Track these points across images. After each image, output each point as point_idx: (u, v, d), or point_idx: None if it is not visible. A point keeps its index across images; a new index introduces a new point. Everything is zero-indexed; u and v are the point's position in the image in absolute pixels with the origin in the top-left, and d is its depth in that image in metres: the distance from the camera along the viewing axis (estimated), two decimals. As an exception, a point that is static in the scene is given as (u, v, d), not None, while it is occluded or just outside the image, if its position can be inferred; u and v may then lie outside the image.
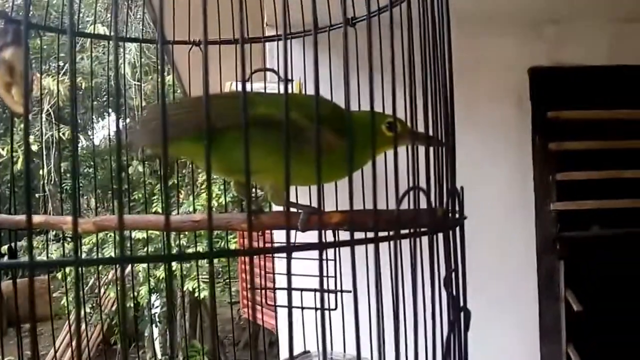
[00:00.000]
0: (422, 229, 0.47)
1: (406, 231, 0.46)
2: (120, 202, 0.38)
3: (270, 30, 1.56)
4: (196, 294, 3.80)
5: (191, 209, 3.72)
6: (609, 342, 1.75)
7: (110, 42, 1.25)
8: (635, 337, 1.74)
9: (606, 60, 1.79)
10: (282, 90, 1.20)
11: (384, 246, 0.46)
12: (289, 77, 1.22)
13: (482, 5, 1.65)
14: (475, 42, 1.75)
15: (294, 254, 0.42)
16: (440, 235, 0.50)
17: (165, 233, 0.40)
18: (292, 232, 0.61)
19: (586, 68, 1.79)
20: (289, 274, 0.40)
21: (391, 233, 0.45)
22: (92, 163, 4.02)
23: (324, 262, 0.79)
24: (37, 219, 0.87)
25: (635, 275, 1.77)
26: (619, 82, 1.80)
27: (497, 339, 1.70)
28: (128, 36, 1.42)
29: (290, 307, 0.43)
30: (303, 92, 1.27)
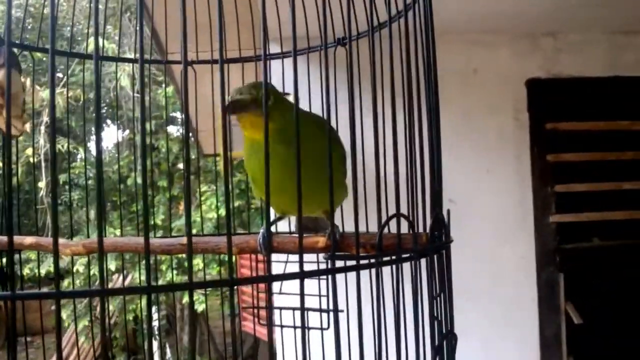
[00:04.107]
0: (405, 255, 0.46)
1: (388, 258, 0.45)
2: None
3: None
4: (195, 307, 3.77)
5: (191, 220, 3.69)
6: (610, 355, 1.73)
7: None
8: (636, 350, 1.72)
9: (603, 72, 1.79)
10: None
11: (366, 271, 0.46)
12: (289, 93, 1.22)
13: (479, 17, 1.66)
14: (473, 55, 1.76)
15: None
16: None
17: (189, 270, 0.40)
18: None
19: (583, 79, 1.78)
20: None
21: (372, 260, 0.44)
22: (90, 175, 4.02)
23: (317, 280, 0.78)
24: (27, 240, 0.86)
25: (636, 287, 1.76)
26: (617, 93, 1.79)
27: (497, 352, 1.69)
28: (127, 48, 1.43)
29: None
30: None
